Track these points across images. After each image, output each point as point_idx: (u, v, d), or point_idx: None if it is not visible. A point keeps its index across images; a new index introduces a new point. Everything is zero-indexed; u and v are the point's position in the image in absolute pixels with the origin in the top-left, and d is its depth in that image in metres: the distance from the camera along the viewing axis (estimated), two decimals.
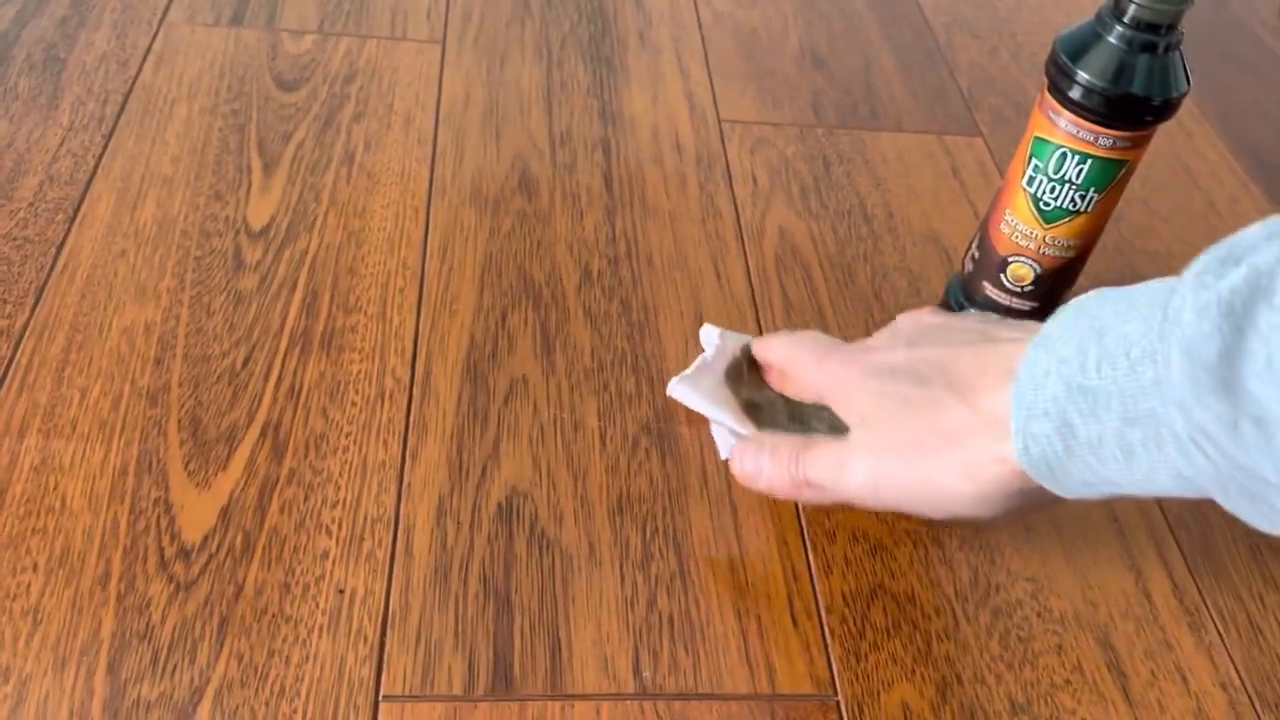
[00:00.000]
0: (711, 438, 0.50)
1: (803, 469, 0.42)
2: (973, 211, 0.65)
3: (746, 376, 0.51)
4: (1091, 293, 0.36)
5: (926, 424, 0.38)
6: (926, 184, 0.67)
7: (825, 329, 0.57)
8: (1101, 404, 0.33)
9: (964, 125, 0.72)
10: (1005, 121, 0.73)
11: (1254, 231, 0.31)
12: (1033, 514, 0.39)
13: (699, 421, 0.51)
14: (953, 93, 0.75)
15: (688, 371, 0.51)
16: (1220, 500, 0.32)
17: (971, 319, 0.43)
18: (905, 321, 0.45)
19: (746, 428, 0.48)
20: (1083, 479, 0.35)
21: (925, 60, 0.78)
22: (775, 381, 0.50)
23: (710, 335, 0.53)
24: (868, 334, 0.56)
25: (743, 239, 0.61)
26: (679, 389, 0.50)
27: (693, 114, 0.70)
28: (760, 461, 0.44)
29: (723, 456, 0.49)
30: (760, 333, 0.56)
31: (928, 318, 0.44)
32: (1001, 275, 0.53)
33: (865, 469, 0.40)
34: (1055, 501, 0.37)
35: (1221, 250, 0.31)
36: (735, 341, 0.52)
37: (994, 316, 0.44)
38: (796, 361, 0.47)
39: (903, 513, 0.42)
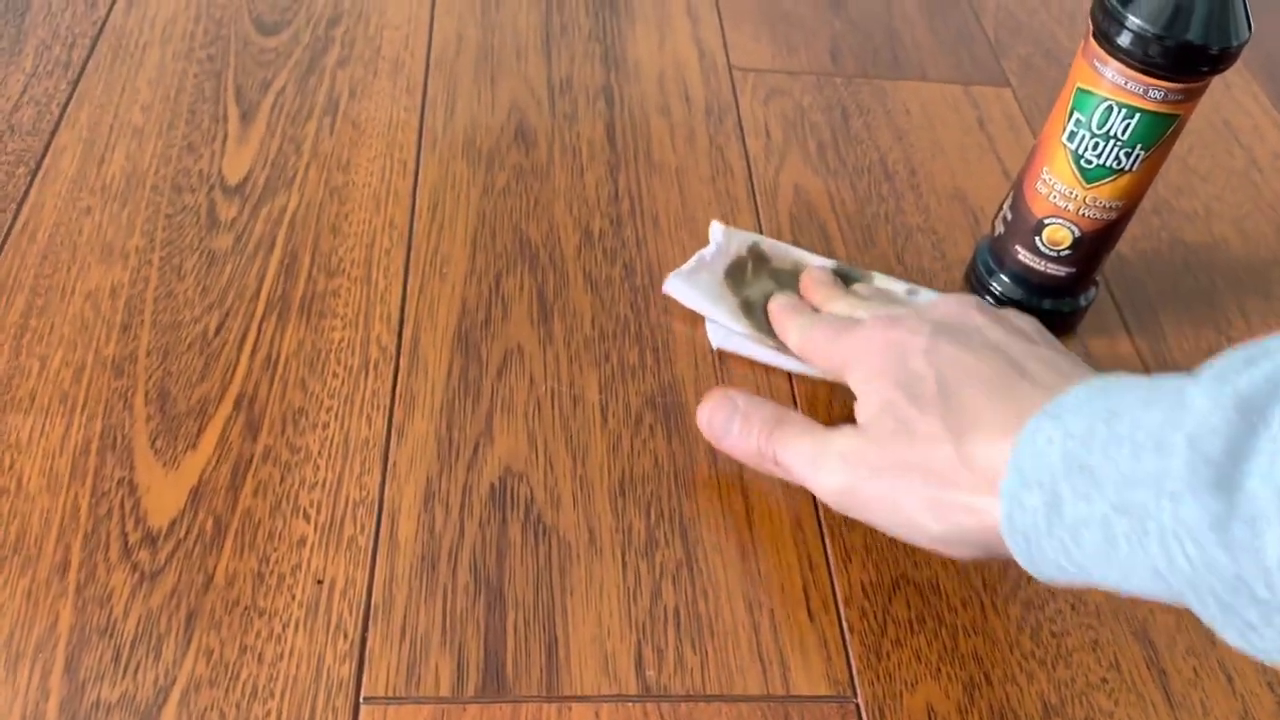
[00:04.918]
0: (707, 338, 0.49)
1: (773, 448, 0.41)
2: (1000, 167, 0.61)
3: (750, 276, 0.50)
4: (1114, 374, 0.34)
5: (913, 456, 0.37)
6: (952, 138, 0.63)
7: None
8: (1096, 486, 0.30)
9: (991, 74, 0.68)
10: (1035, 71, 0.69)
11: None
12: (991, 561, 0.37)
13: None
14: (979, 39, 0.71)
15: (685, 266, 0.50)
16: (1195, 608, 0.29)
17: (1005, 330, 0.39)
18: (943, 307, 0.41)
19: (741, 326, 0.48)
20: (1057, 561, 0.32)
21: (949, 4, 0.73)
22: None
23: (716, 232, 0.52)
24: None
25: (755, 197, 0.57)
26: (674, 284, 0.50)
27: (702, 60, 0.65)
28: (730, 424, 0.42)
29: (714, 344, 0.49)
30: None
31: (969, 309, 0.41)
32: (1037, 239, 0.49)
33: (839, 475, 0.38)
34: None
35: (1248, 350, 0.29)
36: (741, 240, 0.52)
37: (1031, 330, 0.40)
38: (810, 341, 0.45)
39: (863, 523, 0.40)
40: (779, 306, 0.48)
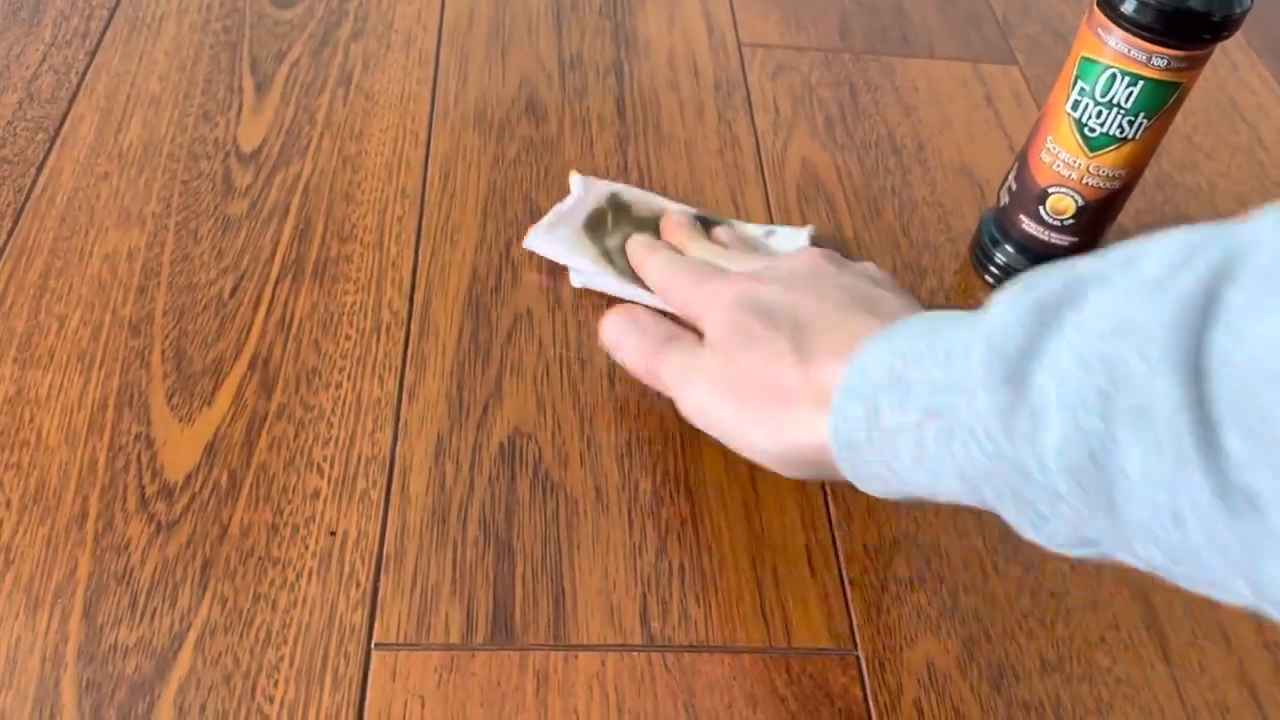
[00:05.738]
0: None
1: (658, 362, 0.42)
2: (1007, 143, 0.62)
3: (610, 226, 0.50)
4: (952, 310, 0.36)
5: (759, 371, 0.38)
6: (959, 114, 0.63)
7: None
8: (911, 396, 0.32)
9: (999, 53, 0.68)
10: (1042, 50, 0.69)
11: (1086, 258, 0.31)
12: (832, 481, 0.38)
13: None
14: (987, 18, 0.71)
15: (543, 221, 0.50)
16: (992, 504, 0.31)
17: (852, 276, 0.42)
18: (796, 260, 0.43)
19: (605, 273, 0.48)
20: (876, 472, 0.34)
21: None
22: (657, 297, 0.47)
23: (575, 184, 0.52)
24: (895, 272, 0.54)
25: (763, 170, 0.58)
26: (533, 239, 0.50)
27: (711, 36, 0.66)
28: (625, 335, 0.43)
29: (576, 285, 0.49)
30: None
31: (820, 261, 0.43)
32: (1040, 208, 0.50)
33: (699, 393, 0.40)
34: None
35: (1055, 266, 0.31)
36: (600, 191, 0.52)
37: (879, 276, 0.43)
38: (669, 285, 0.45)
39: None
40: (637, 244, 0.49)
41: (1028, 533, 0.31)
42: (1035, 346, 0.29)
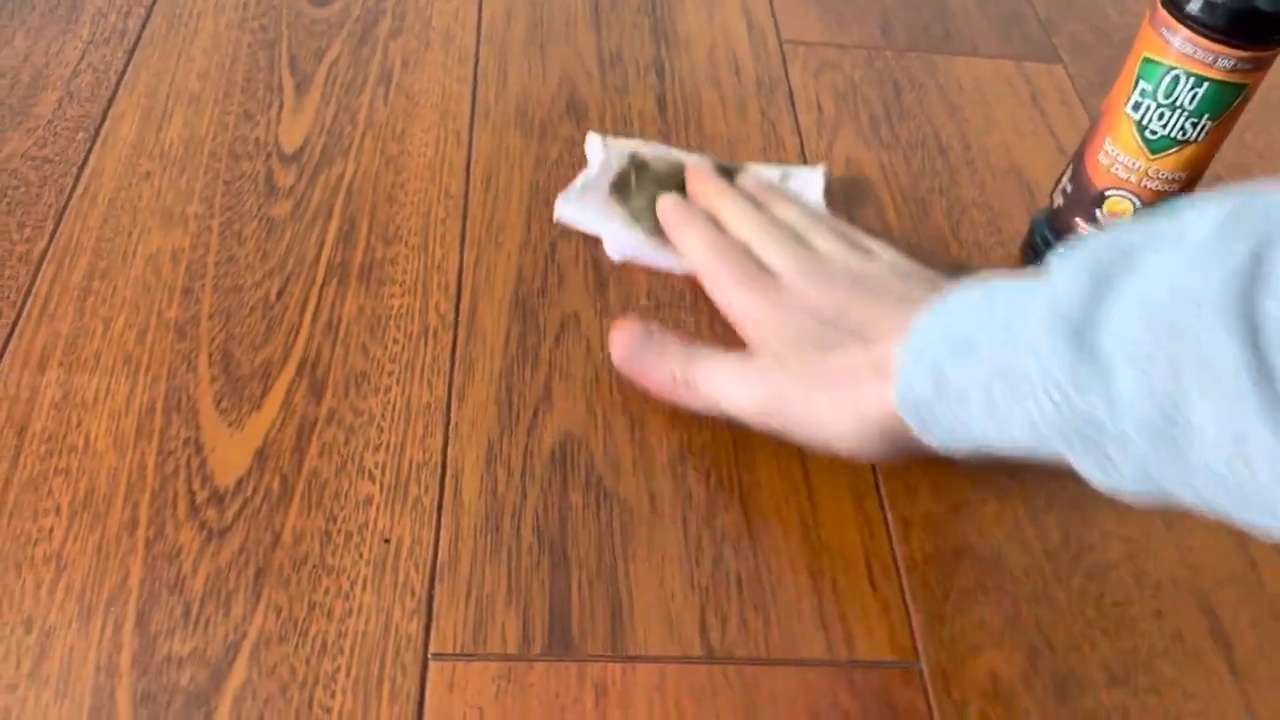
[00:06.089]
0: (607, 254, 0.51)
1: (690, 370, 0.43)
2: (1055, 143, 0.61)
3: (634, 187, 0.52)
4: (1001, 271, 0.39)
5: (831, 363, 0.41)
6: (1005, 113, 0.62)
7: None
8: (976, 357, 0.35)
9: (1043, 51, 0.67)
10: (1085, 48, 0.68)
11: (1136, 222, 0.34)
12: (910, 456, 0.40)
13: None
14: (1029, 16, 0.70)
15: (571, 190, 0.52)
16: (1064, 452, 0.33)
17: (887, 268, 0.46)
18: (834, 256, 0.47)
19: (635, 234, 0.51)
20: (950, 428, 0.37)
21: None
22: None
23: (594, 147, 0.54)
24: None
25: None
26: (564, 210, 0.51)
27: (752, 33, 0.65)
28: (643, 350, 0.45)
29: (615, 258, 0.50)
30: None
31: (855, 259, 0.47)
32: (1097, 211, 0.49)
33: (762, 391, 0.42)
34: (928, 449, 0.38)
35: (1108, 230, 0.34)
36: (620, 152, 0.54)
37: (904, 266, 0.46)
38: (714, 275, 0.48)
39: (779, 436, 0.42)
40: (670, 209, 0.51)
41: (1095, 476, 0.33)
42: (1096, 308, 0.32)
